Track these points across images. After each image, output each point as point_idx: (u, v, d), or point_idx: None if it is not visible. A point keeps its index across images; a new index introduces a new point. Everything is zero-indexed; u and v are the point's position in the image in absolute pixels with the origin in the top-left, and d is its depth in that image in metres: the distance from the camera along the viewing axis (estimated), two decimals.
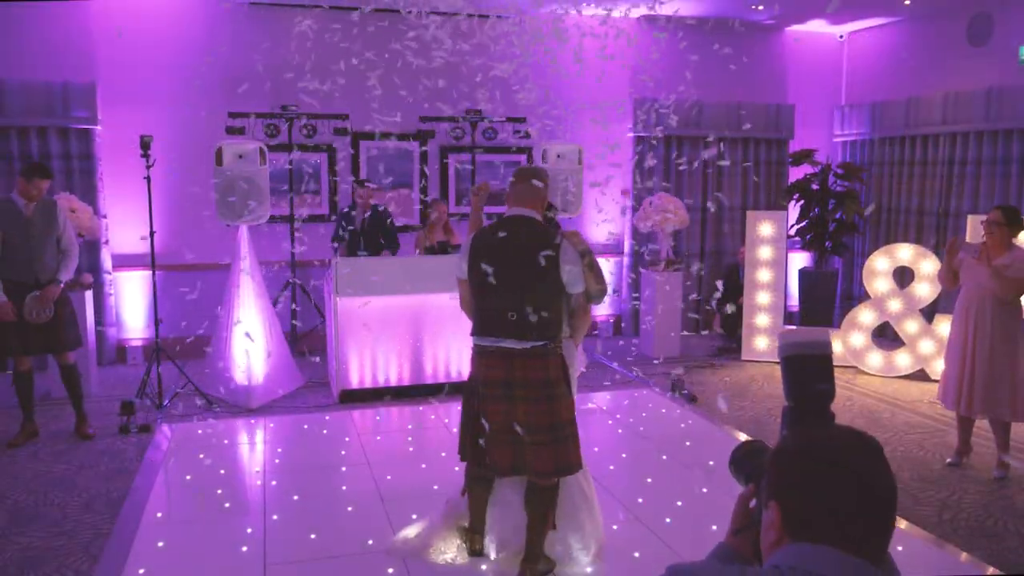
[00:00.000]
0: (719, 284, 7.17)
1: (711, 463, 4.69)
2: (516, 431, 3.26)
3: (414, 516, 3.99)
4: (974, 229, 6.08)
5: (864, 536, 1.11)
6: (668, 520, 4.07)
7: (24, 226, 5.07)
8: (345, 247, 6.82)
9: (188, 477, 4.68)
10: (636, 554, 3.72)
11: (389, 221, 6.96)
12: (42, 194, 5.16)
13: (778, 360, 2.01)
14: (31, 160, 6.95)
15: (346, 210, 7.00)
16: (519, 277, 3.24)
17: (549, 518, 3.42)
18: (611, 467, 4.80)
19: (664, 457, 4.97)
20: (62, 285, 5.20)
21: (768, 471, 1.21)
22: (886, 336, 7.47)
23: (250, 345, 5.92)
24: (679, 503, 4.27)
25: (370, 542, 3.81)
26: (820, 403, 2.06)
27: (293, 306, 7.48)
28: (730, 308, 7.54)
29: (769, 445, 1.38)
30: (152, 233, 6.07)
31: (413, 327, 6.25)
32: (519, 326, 3.22)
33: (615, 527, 4.00)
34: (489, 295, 3.30)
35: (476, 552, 3.65)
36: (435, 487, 4.35)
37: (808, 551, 1.10)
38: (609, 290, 3.48)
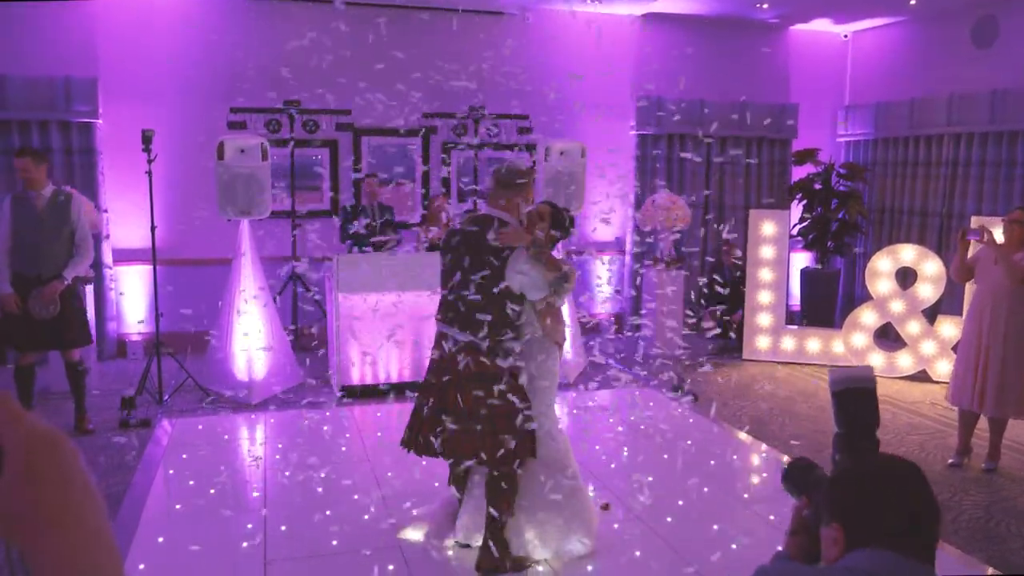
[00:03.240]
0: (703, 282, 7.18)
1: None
2: (444, 416, 3.37)
3: (414, 512, 4.00)
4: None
5: (917, 543, 1.34)
6: (669, 519, 4.06)
7: (36, 220, 5.01)
8: (353, 242, 6.91)
9: (188, 472, 4.67)
10: (636, 552, 3.71)
11: (389, 216, 7.12)
12: (36, 177, 5.01)
13: (830, 393, 2.37)
14: None
15: (350, 207, 7.05)
16: (470, 272, 3.34)
17: (502, 509, 3.41)
18: (612, 465, 4.79)
19: (664, 456, 4.95)
20: (67, 282, 5.07)
21: (828, 495, 1.43)
22: (888, 337, 7.46)
23: (253, 342, 5.91)
24: (680, 502, 4.26)
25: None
26: (868, 430, 2.36)
27: (298, 307, 7.47)
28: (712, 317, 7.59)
29: (788, 454, 1.62)
30: (153, 228, 6.05)
31: (414, 323, 6.23)
32: (464, 318, 3.34)
33: (616, 525, 3.99)
34: (448, 284, 3.48)
35: (463, 543, 3.68)
36: (435, 483, 4.34)
37: (874, 555, 1.32)
38: (571, 281, 3.36)
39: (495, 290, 3.28)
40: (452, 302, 3.41)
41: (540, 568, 3.49)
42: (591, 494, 4.34)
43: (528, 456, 3.38)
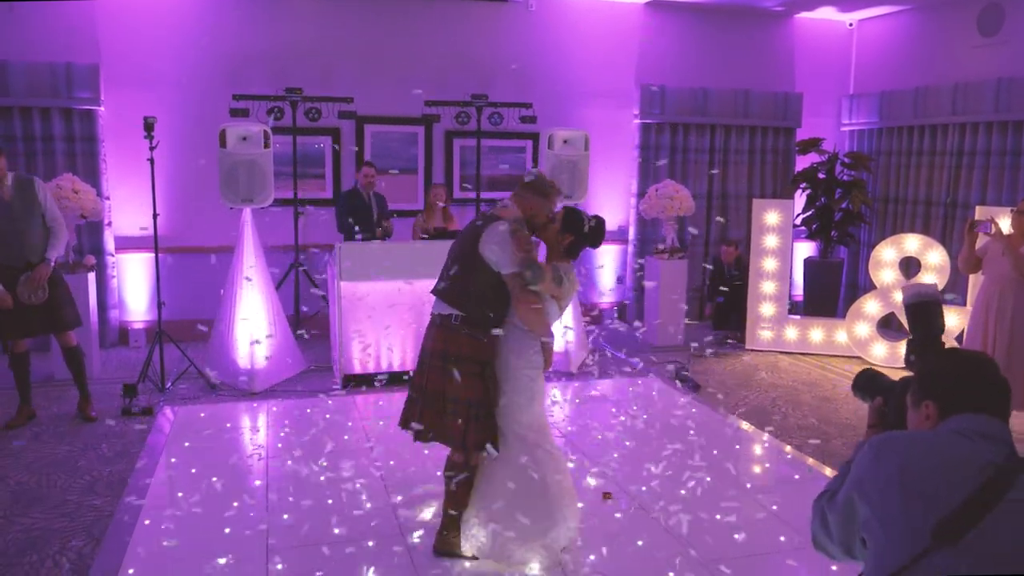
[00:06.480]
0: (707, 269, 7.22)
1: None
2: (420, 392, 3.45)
3: (417, 497, 4.00)
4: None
5: (998, 408, 1.69)
6: (671, 508, 4.05)
7: (5, 210, 4.96)
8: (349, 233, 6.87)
9: (190, 460, 4.67)
10: (639, 542, 3.71)
11: (383, 207, 7.14)
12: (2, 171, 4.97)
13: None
14: (34, 141, 6.93)
15: (347, 196, 7.00)
16: (454, 248, 3.47)
17: (456, 494, 3.46)
18: (615, 455, 4.79)
19: (667, 445, 4.95)
20: (52, 264, 5.07)
21: (921, 381, 1.77)
22: (891, 327, 7.44)
23: (258, 337, 5.91)
24: (682, 491, 4.26)
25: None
26: (935, 335, 2.75)
27: (300, 295, 7.46)
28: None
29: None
30: (155, 215, 6.04)
31: (416, 312, 6.22)
32: (442, 292, 3.43)
33: (618, 515, 3.99)
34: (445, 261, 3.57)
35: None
36: (437, 471, 4.33)
37: (972, 418, 1.67)
38: (540, 281, 3.26)
39: (467, 263, 3.33)
40: (440, 277, 3.50)
41: (537, 564, 3.46)
42: (592, 484, 4.35)
43: (484, 442, 3.34)
